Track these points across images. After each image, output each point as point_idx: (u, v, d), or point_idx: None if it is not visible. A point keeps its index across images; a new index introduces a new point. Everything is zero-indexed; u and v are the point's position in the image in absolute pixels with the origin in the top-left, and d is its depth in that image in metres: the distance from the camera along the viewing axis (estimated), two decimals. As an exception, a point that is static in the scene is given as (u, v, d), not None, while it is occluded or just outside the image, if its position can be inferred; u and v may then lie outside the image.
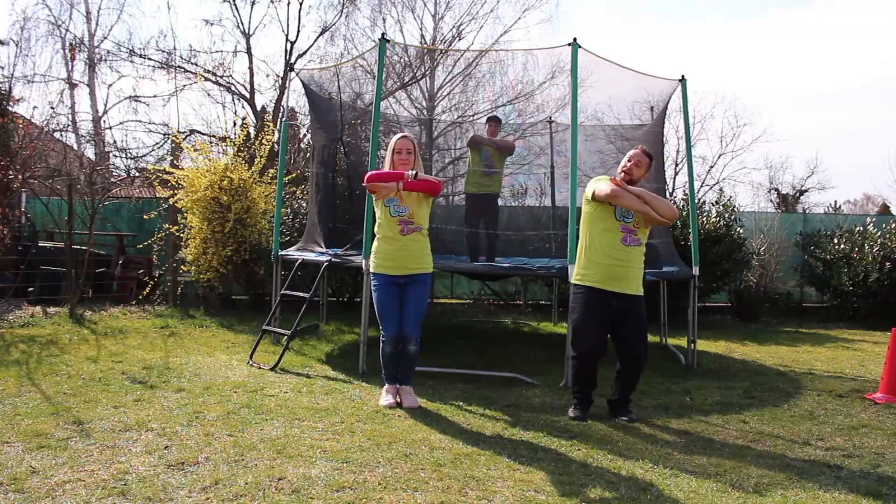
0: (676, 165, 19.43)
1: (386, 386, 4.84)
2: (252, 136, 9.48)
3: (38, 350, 6.20)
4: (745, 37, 50.00)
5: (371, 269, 4.84)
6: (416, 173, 4.69)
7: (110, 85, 21.88)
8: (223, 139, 9.86)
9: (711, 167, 21.68)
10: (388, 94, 12.47)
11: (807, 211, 19.20)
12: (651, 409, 4.89)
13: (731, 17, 51.52)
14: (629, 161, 4.60)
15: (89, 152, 16.43)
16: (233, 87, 16.42)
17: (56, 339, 6.73)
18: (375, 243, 4.84)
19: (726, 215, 9.97)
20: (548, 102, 9.05)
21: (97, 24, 18.08)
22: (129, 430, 3.92)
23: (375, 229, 4.86)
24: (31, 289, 9.23)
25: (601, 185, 4.51)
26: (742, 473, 3.58)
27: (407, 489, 3.20)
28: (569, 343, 4.91)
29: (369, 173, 4.85)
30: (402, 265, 4.72)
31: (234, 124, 11.97)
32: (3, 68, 14.07)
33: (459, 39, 17.36)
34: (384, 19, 17.34)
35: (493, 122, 7.82)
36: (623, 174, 4.58)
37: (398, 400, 4.73)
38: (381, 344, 4.80)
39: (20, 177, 9.29)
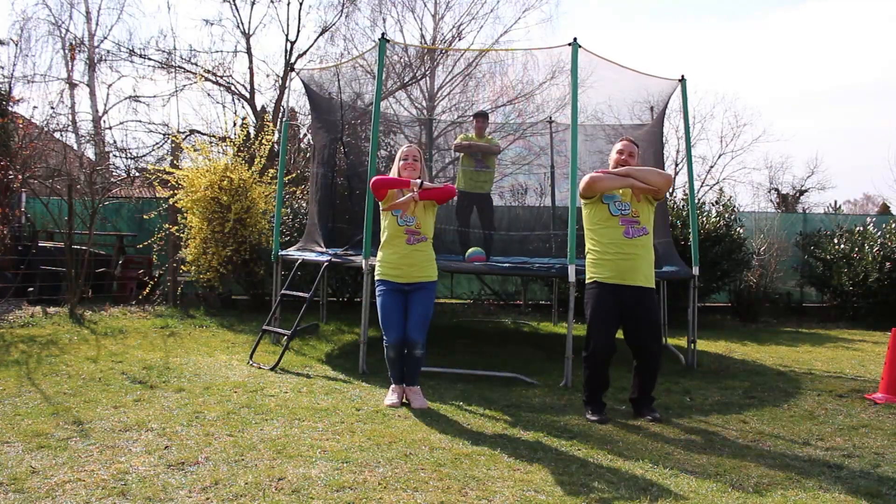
0: (676, 165, 19.47)
1: (392, 385, 4.82)
2: (252, 136, 9.48)
3: (38, 350, 6.20)
4: (745, 36, 50.01)
5: (377, 276, 4.82)
6: (422, 182, 4.68)
7: (110, 85, 21.92)
8: (223, 139, 9.86)
9: (711, 167, 21.73)
10: (388, 94, 12.49)
11: (807, 211, 19.22)
12: (651, 409, 4.88)
13: (731, 17, 51.52)
14: (621, 154, 4.64)
15: (89, 152, 16.45)
16: (233, 87, 16.45)
17: (56, 339, 6.73)
18: (380, 252, 4.81)
19: (726, 215, 9.97)
20: (548, 102, 9.08)
21: (97, 24, 18.13)
22: (129, 430, 3.92)
23: (382, 236, 4.83)
24: (31, 289, 9.23)
25: (582, 182, 4.57)
26: (742, 473, 3.58)
27: (407, 489, 3.20)
28: (568, 343, 4.94)
29: (377, 178, 4.81)
30: (407, 274, 4.71)
31: (234, 124, 11.96)
32: (3, 68, 14.09)
33: (459, 39, 17.43)
34: (384, 19, 17.40)
35: (481, 117, 7.88)
36: (619, 167, 4.62)
37: (404, 400, 4.73)
38: (384, 349, 4.78)
39: (20, 177, 9.28)
